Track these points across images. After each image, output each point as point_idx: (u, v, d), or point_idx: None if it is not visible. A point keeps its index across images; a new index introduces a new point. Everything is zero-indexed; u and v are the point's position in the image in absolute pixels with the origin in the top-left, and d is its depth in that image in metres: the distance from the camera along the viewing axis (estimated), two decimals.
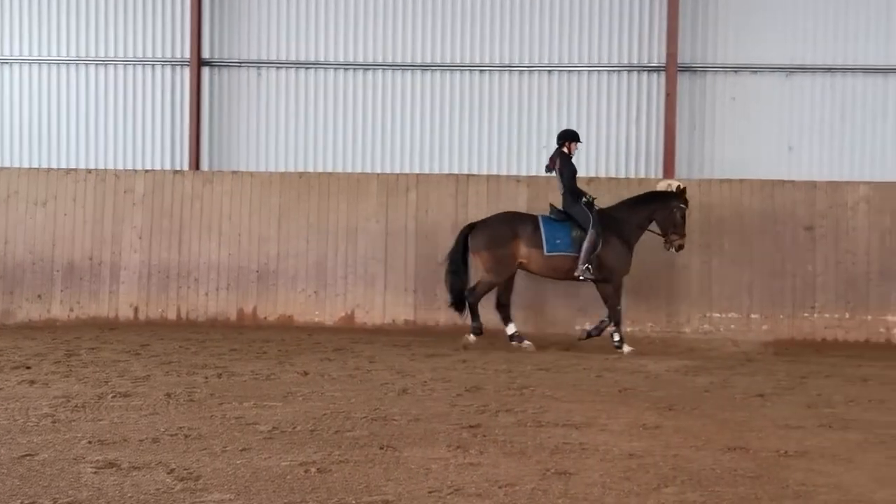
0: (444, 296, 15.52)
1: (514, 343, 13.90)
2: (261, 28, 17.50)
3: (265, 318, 15.85)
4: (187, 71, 17.48)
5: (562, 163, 13.82)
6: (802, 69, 16.75)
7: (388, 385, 10.07)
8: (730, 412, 8.94)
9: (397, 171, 16.94)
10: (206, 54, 17.47)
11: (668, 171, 16.31)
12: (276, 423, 7.88)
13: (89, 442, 7.03)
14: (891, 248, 15.21)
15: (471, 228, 14.11)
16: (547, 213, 14.01)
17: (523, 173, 16.72)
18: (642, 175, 16.64)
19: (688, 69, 16.81)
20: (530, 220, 13.92)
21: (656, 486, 6.18)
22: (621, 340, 13.59)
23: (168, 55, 17.62)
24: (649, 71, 16.91)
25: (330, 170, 17.08)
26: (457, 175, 16.05)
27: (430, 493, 5.90)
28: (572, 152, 13.98)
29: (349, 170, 17.07)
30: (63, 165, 17.39)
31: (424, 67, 17.22)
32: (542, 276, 14.27)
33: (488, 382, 10.40)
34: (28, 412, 8.10)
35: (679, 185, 14.32)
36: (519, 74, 17.17)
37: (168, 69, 17.67)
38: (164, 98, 17.69)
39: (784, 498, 5.99)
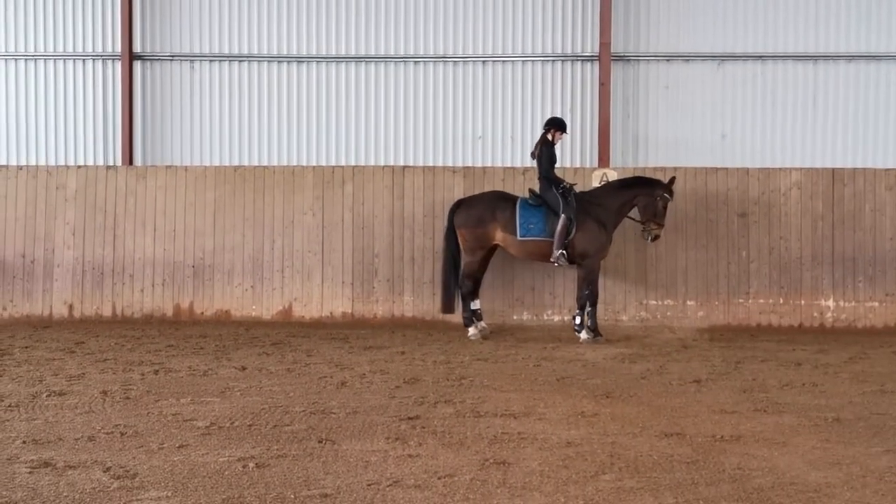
0: (381, 288, 15.56)
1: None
2: (193, 21, 17.32)
3: (202, 313, 15.72)
4: (119, 65, 17.25)
5: (542, 149, 13.87)
6: (734, 57, 16.90)
7: (327, 378, 10.06)
8: (666, 398, 9.03)
9: (333, 163, 16.88)
10: (137, 48, 17.27)
11: (603, 159, 16.39)
12: (214, 418, 7.84)
13: (24, 442, 6.95)
14: (822, 233, 15.42)
15: (457, 206, 14.30)
16: (527, 197, 14.08)
17: (459, 164, 16.75)
18: (577, 164, 16.70)
19: (621, 58, 16.90)
20: (510, 202, 13.99)
21: (594, 473, 6.23)
22: (581, 325, 13.67)
23: (99, 49, 17.37)
24: (583, 60, 16.98)
25: (265, 163, 16.97)
26: (393, 167, 16.01)
27: (369, 485, 5.91)
28: (556, 140, 14.01)
29: (284, 163, 16.97)
30: None
31: (359, 59, 17.15)
32: (520, 258, 14.45)
33: (426, 374, 10.42)
34: None
35: (674, 177, 14.37)
36: (454, 65, 17.16)
37: (99, 63, 17.43)
38: (96, 93, 17.44)
39: (720, 482, 6.06)
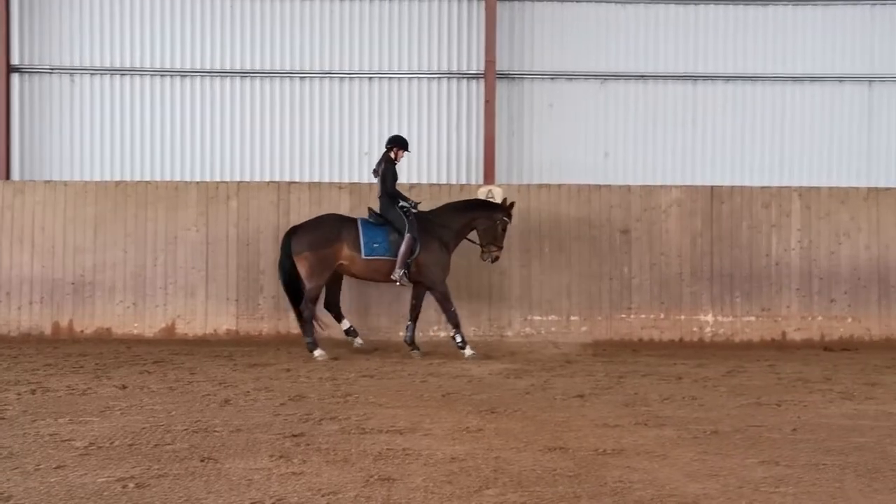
0: (266, 304, 15.44)
1: (348, 338, 14.18)
2: (73, 34, 17.00)
3: (82, 331, 15.41)
4: None
5: (385, 167, 13.86)
6: (616, 76, 17.20)
7: (210, 396, 9.93)
8: (550, 413, 9.11)
9: (217, 179, 16.70)
10: (15, 60, 16.87)
11: (489, 176, 16.52)
12: (93, 438, 7.68)
13: None
14: (702, 249, 15.76)
15: (293, 232, 13.99)
16: (366, 217, 14.01)
17: (345, 180, 16.72)
18: (463, 181, 16.81)
19: (506, 76, 17.07)
20: (351, 222, 13.90)
21: (478, 488, 6.25)
22: (463, 342, 13.72)
23: None
24: (469, 78, 17.10)
25: (148, 178, 16.72)
26: (278, 182, 15.92)
27: None
28: (398, 159, 14.04)
29: (168, 178, 16.74)
30: None
31: (244, 74, 17.02)
32: (363, 279, 14.29)
33: (312, 391, 10.35)
34: None
35: (507, 199, 14.46)
36: (340, 81, 17.14)
37: None
38: None
39: (602, 495, 6.13)
